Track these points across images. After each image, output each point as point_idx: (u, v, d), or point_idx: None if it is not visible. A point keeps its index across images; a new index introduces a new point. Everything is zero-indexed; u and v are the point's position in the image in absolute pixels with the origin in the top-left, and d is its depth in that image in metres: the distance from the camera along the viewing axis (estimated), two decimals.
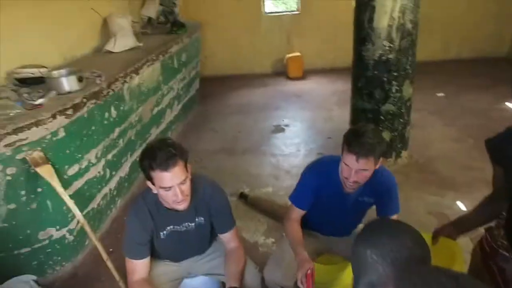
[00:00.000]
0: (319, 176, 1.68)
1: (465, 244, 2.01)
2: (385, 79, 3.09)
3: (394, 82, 3.10)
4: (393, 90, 3.13)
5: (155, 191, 1.47)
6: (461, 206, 2.87)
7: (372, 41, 3.03)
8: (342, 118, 4.66)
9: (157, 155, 1.37)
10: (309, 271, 1.50)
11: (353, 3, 3.14)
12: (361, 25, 3.06)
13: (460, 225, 1.49)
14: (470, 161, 3.47)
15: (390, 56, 3.01)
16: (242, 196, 3.17)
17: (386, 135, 3.31)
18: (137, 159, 3.37)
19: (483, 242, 1.34)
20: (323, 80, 6.49)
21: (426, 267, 0.83)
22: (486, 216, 1.38)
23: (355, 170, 1.47)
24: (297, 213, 1.75)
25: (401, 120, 3.28)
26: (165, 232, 1.61)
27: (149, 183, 1.47)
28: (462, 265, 1.44)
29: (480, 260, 1.34)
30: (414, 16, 2.96)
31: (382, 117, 3.24)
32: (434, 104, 4.97)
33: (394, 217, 1.68)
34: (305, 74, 6.79)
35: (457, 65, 6.43)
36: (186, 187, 1.46)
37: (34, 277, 2.37)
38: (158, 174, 1.38)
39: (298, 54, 6.66)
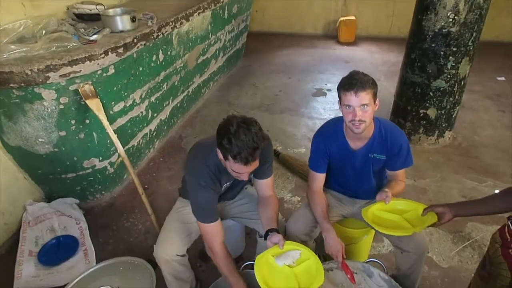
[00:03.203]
0: (325, 137, 1.75)
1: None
2: (441, 53, 2.90)
3: (451, 58, 2.91)
4: (448, 66, 2.94)
5: (221, 157, 1.47)
6: None
7: (435, 11, 2.81)
8: (388, 90, 4.48)
9: (243, 150, 1.34)
10: (344, 259, 1.63)
11: None
12: None
13: (461, 209, 1.49)
14: None
15: (452, 29, 2.80)
16: (274, 153, 3.22)
17: (432, 112, 3.17)
18: (178, 104, 3.50)
19: (504, 230, 1.33)
20: (375, 48, 6.19)
21: None
22: (500, 207, 1.36)
23: (358, 108, 1.52)
24: (317, 179, 1.81)
25: (451, 98, 3.10)
26: (222, 189, 1.70)
27: (219, 151, 1.45)
28: (417, 229, 1.54)
29: (499, 246, 1.34)
30: None
31: (430, 93, 3.08)
32: (492, 88, 4.64)
33: (401, 172, 1.76)
34: (357, 40, 6.50)
35: None
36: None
37: (77, 201, 2.62)
38: (237, 165, 1.39)
39: (352, 18, 6.35)
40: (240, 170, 1.43)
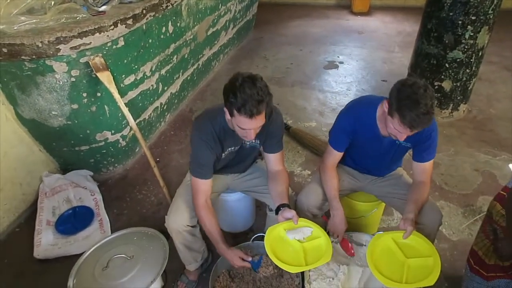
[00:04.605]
0: (356, 120, 1.64)
1: None
2: (459, 22, 2.80)
3: (469, 27, 2.80)
4: (466, 36, 2.84)
5: (228, 117, 1.47)
6: None
7: None
8: (402, 61, 4.39)
9: (248, 102, 1.34)
10: (345, 237, 1.66)
11: None
12: None
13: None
14: None
15: None
16: (285, 127, 3.21)
17: (447, 85, 3.09)
18: (188, 77, 3.48)
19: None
20: (390, 19, 6.00)
21: None
22: None
23: (406, 135, 1.43)
24: (334, 156, 1.75)
25: (467, 70, 3.01)
26: (226, 153, 1.70)
27: (226, 110, 1.46)
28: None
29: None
30: None
31: (446, 65, 2.99)
32: (511, 59, 4.49)
33: (430, 163, 1.66)
34: (371, 10, 6.30)
35: None
36: (259, 128, 1.49)
37: (91, 173, 2.67)
38: (242, 118, 1.39)
39: None
40: (245, 125, 1.42)
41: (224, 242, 1.64)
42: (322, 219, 1.79)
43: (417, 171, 1.68)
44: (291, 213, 1.58)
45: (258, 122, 1.42)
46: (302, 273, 1.62)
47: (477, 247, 1.55)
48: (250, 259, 1.64)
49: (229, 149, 1.69)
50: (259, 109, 1.37)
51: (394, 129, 1.43)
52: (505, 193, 1.41)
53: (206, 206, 1.65)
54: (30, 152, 2.47)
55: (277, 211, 1.62)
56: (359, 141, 1.70)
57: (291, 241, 1.58)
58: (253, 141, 1.70)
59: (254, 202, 2.21)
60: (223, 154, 1.70)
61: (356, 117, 1.65)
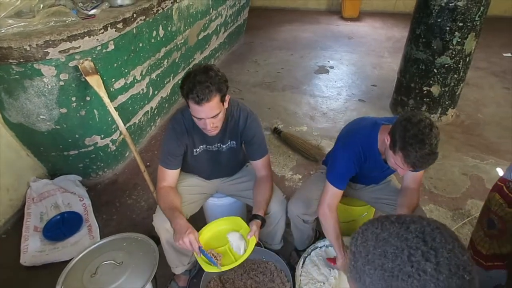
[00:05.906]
0: (360, 155, 1.57)
1: None
2: (447, 28, 2.84)
3: (457, 33, 2.85)
4: (454, 42, 2.88)
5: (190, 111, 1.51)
6: (500, 173, 2.76)
7: None
8: (391, 66, 4.45)
9: (195, 87, 1.37)
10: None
11: None
12: None
13: None
14: None
15: (460, 3, 2.73)
16: (276, 131, 3.22)
17: (435, 90, 3.13)
18: (179, 81, 3.47)
19: (505, 192, 1.36)
20: (380, 24, 6.07)
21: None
22: None
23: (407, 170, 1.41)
24: (337, 196, 1.64)
25: (455, 75, 3.06)
26: (198, 149, 1.70)
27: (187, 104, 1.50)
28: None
29: (507, 206, 1.36)
30: None
31: (435, 70, 3.04)
32: (498, 65, 4.57)
33: (421, 173, 1.66)
34: (361, 16, 6.37)
35: None
36: (217, 119, 1.49)
37: (80, 178, 2.63)
38: (192, 105, 1.42)
39: None
40: (196, 113, 1.44)
41: (182, 219, 1.54)
42: (328, 262, 1.68)
43: (409, 179, 1.67)
44: (252, 228, 1.55)
45: (209, 110, 1.42)
46: (293, 278, 1.63)
47: (474, 237, 1.57)
48: (198, 246, 1.49)
49: (201, 146, 1.70)
50: (207, 95, 1.38)
51: (395, 164, 1.39)
52: (502, 184, 1.42)
53: (168, 188, 1.69)
54: (17, 157, 2.43)
55: (251, 219, 1.61)
56: (361, 168, 1.64)
57: (226, 237, 1.61)
58: (229, 142, 1.70)
59: (245, 207, 2.20)
60: (195, 151, 1.70)
61: (361, 153, 1.57)
